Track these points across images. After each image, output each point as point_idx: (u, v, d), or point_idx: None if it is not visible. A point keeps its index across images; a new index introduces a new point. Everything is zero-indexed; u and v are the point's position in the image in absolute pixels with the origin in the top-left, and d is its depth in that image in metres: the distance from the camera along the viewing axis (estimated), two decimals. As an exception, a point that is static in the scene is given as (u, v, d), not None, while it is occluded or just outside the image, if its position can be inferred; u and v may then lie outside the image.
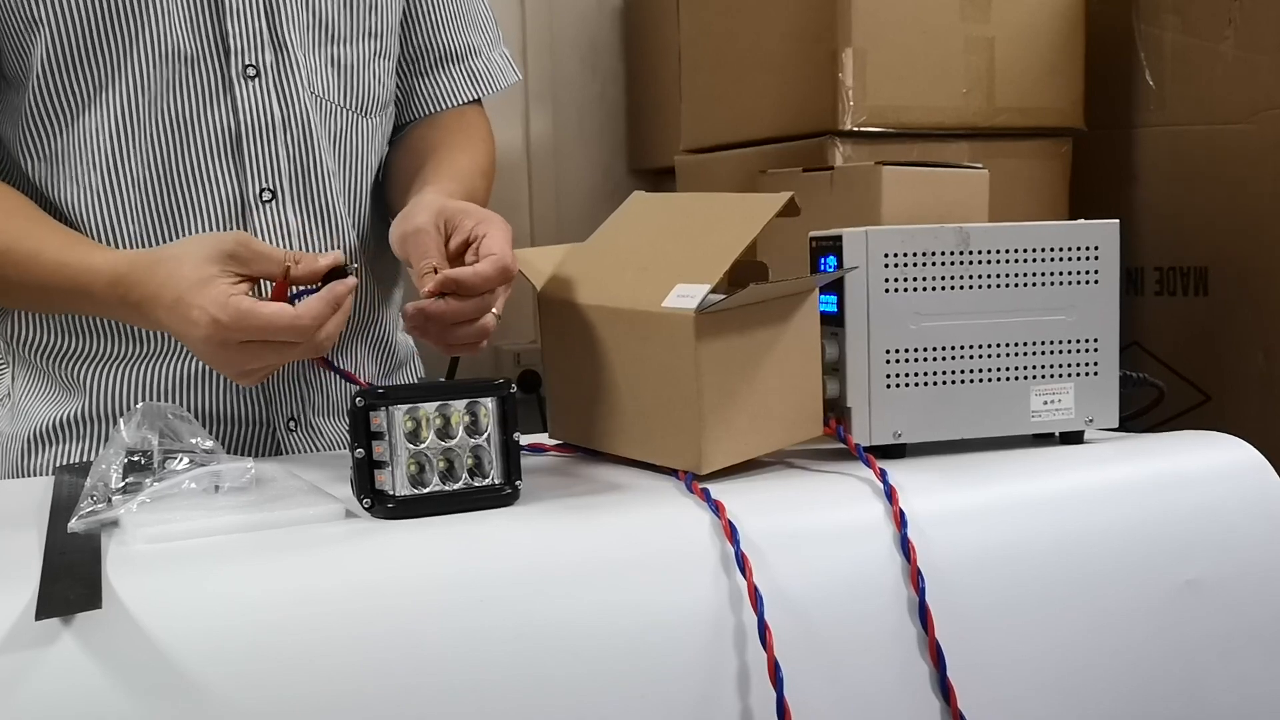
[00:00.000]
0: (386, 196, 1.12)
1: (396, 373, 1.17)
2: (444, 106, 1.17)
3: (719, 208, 0.85)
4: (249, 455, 0.99)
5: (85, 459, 1.03)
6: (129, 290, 0.87)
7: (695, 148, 1.67)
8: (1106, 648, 0.77)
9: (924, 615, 0.71)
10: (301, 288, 0.84)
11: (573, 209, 2.19)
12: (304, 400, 1.07)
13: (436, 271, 0.85)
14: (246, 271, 0.83)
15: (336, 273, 0.85)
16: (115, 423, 1.02)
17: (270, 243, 1.00)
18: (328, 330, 0.82)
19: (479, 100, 1.20)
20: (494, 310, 0.89)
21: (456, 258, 0.88)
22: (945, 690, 0.71)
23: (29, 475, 1.05)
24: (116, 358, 1.03)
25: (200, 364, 1.02)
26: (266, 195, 1.01)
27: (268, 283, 0.86)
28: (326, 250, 1.04)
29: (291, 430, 1.06)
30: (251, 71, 1.00)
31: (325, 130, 1.04)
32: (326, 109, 1.05)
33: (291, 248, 1.02)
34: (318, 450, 1.08)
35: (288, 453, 1.06)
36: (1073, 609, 0.76)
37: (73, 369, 1.04)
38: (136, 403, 1.01)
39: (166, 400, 0.99)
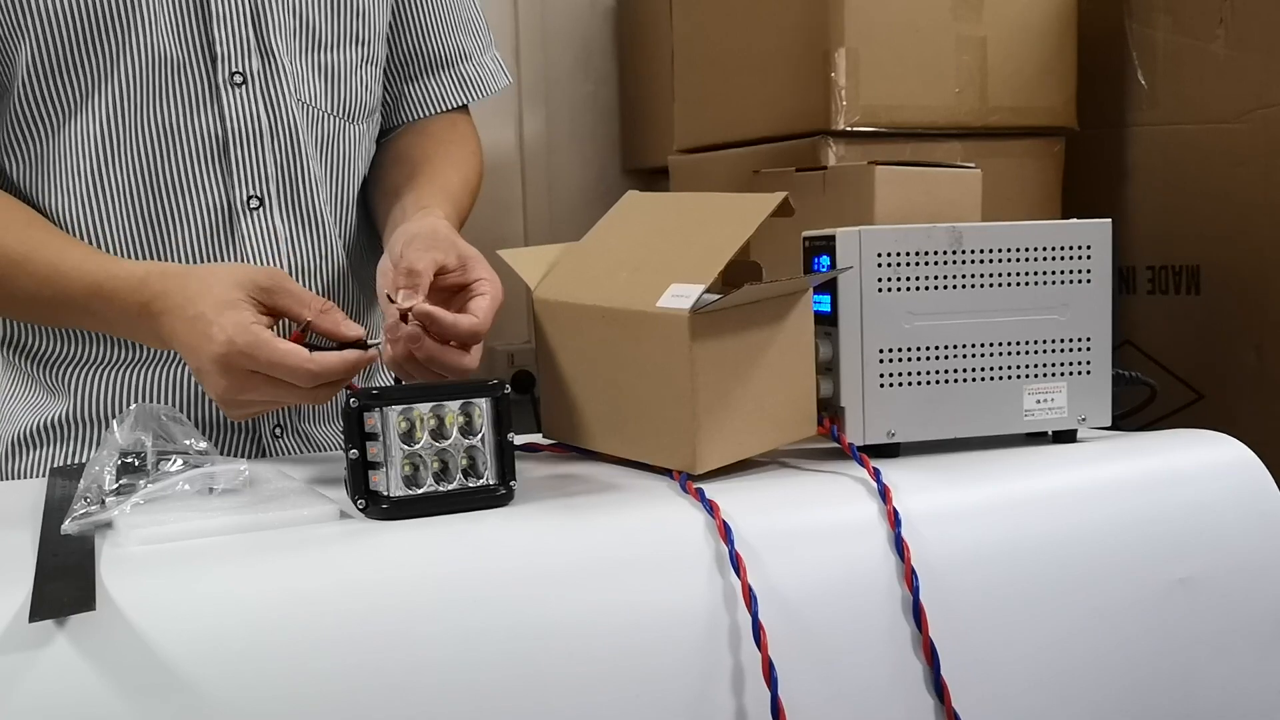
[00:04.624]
0: (370, 201, 1.12)
1: (372, 379, 1.17)
2: (434, 111, 1.16)
3: (713, 207, 0.85)
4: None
5: (70, 462, 1.02)
6: (155, 297, 0.85)
7: (688, 147, 1.67)
8: (1100, 646, 0.77)
9: (918, 614, 0.71)
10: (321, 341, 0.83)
11: (566, 209, 2.18)
12: (291, 406, 1.06)
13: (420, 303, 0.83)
14: (270, 303, 0.82)
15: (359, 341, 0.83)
16: (100, 427, 1.02)
17: (258, 249, 1.00)
18: (329, 392, 0.82)
19: (466, 106, 1.20)
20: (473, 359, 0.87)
21: (444, 290, 0.88)
22: (939, 689, 0.71)
23: (14, 478, 1.05)
24: (103, 362, 1.02)
25: (187, 370, 1.01)
26: (254, 202, 1.01)
27: (289, 327, 0.84)
28: (315, 259, 1.04)
29: (278, 437, 1.06)
30: (239, 79, 0.99)
31: (312, 137, 1.04)
32: (313, 115, 1.04)
33: (279, 253, 1.02)
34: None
35: (274, 458, 1.05)
36: (1066, 607, 0.76)
37: (58, 373, 1.03)
38: (122, 408, 1.01)
39: (152, 405, 0.99)
